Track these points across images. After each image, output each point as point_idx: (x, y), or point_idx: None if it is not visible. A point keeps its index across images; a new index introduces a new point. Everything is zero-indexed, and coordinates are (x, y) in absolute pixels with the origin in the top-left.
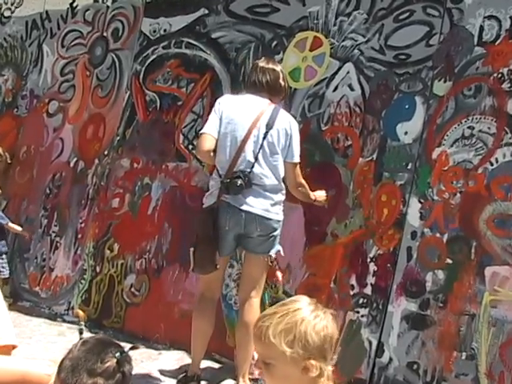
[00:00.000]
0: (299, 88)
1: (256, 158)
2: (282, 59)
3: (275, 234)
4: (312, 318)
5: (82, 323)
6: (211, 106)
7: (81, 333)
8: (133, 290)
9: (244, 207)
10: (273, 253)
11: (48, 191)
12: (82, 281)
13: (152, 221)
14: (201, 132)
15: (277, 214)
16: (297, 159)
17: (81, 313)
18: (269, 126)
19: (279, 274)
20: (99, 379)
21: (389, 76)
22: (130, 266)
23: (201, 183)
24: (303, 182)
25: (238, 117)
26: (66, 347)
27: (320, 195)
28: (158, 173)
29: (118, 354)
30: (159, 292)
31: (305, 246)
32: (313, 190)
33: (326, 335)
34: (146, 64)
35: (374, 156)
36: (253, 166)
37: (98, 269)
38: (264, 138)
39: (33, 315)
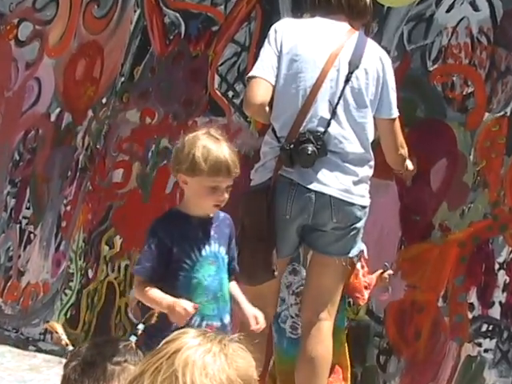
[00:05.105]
0: (395, 7)
1: (334, 113)
2: None
3: (358, 226)
4: (199, 358)
5: (63, 334)
6: (262, 33)
7: (66, 344)
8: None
9: (314, 186)
10: (354, 254)
11: (17, 157)
12: (67, 291)
13: (172, 203)
14: (250, 75)
15: (361, 196)
16: (395, 113)
17: (55, 324)
18: (353, 65)
19: (365, 287)
20: (124, 363)
21: None
22: None
23: (246, 148)
24: (404, 142)
25: (307, 51)
26: None
27: (408, 165)
28: (182, 132)
29: (132, 337)
30: None
31: (400, 245)
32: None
33: (231, 376)
34: None
35: (508, 110)
36: (328, 125)
37: (90, 273)
38: (346, 82)
39: None
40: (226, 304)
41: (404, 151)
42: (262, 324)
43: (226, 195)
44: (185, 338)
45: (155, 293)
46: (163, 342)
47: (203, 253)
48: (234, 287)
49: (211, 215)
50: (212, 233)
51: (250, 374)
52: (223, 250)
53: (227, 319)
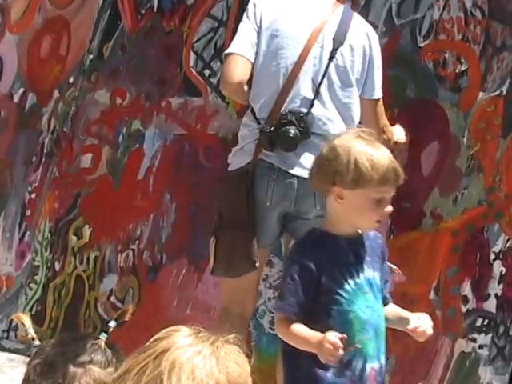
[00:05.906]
0: None
1: (317, 93)
2: None
3: None
4: (188, 360)
5: (30, 327)
6: (240, 7)
7: (33, 339)
8: (113, 299)
9: (296, 171)
10: None
11: None
12: (33, 285)
13: (145, 190)
14: (227, 52)
15: None
16: (378, 94)
17: (21, 316)
18: (338, 41)
19: None
20: (89, 365)
21: None
22: (110, 262)
23: (224, 130)
24: (388, 124)
25: (288, 26)
26: None
27: (399, 135)
28: (155, 113)
29: (102, 334)
30: (155, 303)
31: (389, 234)
32: None
33: (220, 382)
34: None
35: (504, 89)
36: (312, 105)
37: (57, 266)
38: (330, 59)
39: None
40: (385, 341)
41: (386, 136)
42: (428, 327)
43: (391, 207)
44: (175, 336)
45: (303, 330)
46: (153, 338)
47: (357, 280)
48: (391, 307)
49: (362, 234)
50: (364, 255)
51: (243, 380)
52: (377, 276)
53: (383, 359)
